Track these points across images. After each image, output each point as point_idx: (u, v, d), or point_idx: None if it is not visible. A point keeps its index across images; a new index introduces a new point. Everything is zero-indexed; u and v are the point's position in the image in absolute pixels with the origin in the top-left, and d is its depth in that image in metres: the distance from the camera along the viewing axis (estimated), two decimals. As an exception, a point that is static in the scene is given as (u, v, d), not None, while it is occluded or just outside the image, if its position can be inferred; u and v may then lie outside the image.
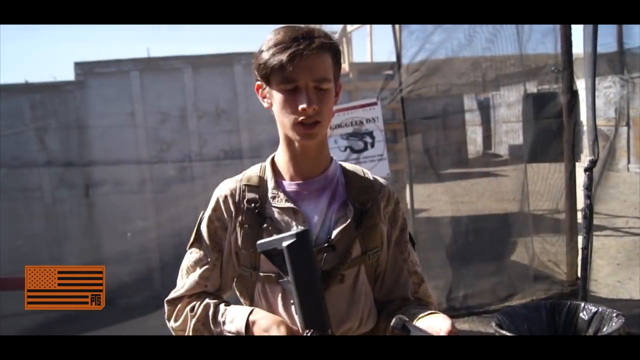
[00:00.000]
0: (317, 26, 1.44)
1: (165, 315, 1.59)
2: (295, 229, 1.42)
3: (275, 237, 1.39)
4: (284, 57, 1.35)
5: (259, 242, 1.43)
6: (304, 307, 1.31)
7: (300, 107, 1.39)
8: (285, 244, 1.32)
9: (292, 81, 1.39)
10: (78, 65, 6.36)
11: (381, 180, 1.61)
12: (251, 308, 1.48)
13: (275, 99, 1.44)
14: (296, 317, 1.38)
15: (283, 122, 1.45)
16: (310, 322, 1.30)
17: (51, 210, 6.27)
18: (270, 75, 1.41)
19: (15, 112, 6.21)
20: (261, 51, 1.42)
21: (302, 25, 1.42)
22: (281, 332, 1.36)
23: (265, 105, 1.49)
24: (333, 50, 1.43)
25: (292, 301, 1.37)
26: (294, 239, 1.32)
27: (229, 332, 1.45)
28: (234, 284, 1.62)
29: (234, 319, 1.46)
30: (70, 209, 6.33)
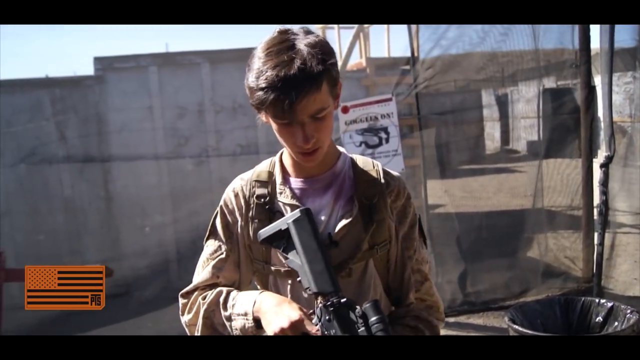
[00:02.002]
0: (310, 43, 1.34)
1: (180, 310, 1.60)
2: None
3: (277, 222, 1.45)
4: (276, 103, 1.30)
5: (261, 231, 1.47)
6: (315, 273, 1.35)
7: (297, 144, 1.38)
8: (290, 220, 1.41)
9: (287, 119, 1.35)
10: (97, 60, 6.43)
11: (394, 174, 1.59)
12: (261, 290, 1.50)
13: (271, 124, 1.42)
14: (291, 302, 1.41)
15: (282, 143, 1.45)
16: (322, 286, 1.34)
17: (70, 205, 6.36)
18: (263, 109, 1.37)
19: (36, 107, 6.30)
20: (251, 87, 1.35)
21: (292, 48, 1.32)
22: (293, 307, 1.36)
23: (264, 120, 1.45)
24: (328, 75, 1.34)
25: (298, 279, 1.39)
26: (299, 214, 1.40)
27: (238, 314, 1.45)
28: (254, 277, 1.63)
29: (243, 301, 1.46)
30: (89, 202, 6.42)
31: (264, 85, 1.30)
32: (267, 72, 1.30)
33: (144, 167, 6.40)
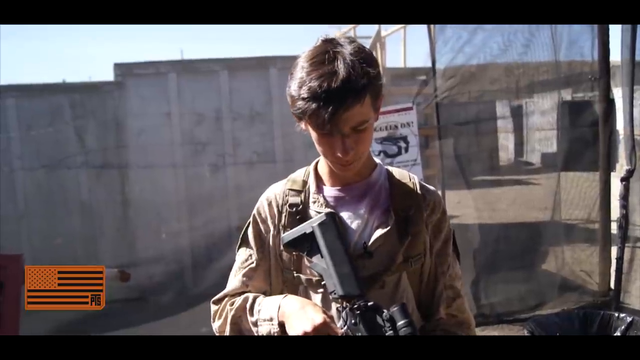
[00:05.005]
0: (354, 55, 1.32)
1: (211, 317, 1.61)
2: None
3: (301, 225, 1.46)
4: (319, 114, 1.29)
5: (284, 234, 1.47)
6: (341, 276, 1.35)
7: (336, 155, 1.37)
8: (316, 223, 1.42)
9: (327, 130, 1.34)
10: (117, 66, 6.50)
11: (430, 187, 1.58)
12: (285, 294, 1.49)
13: (310, 133, 1.41)
14: (315, 297, 1.42)
15: (320, 152, 1.45)
16: (348, 289, 1.34)
17: (87, 209, 6.40)
18: (304, 118, 1.36)
19: (55, 112, 6.36)
20: (293, 96, 1.34)
21: (336, 59, 1.30)
22: (317, 309, 1.36)
23: (302, 127, 1.44)
24: (371, 88, 1.33)
25: (323, 282, 1.40)
26: (324, 218, 1.41)
27: (264, 319, 1.45)
28: (284, 288, 1.60)
29: (269, 306, 1.46)
30: (106, 207, 6.46)
31: (306, 95, 1.29)
32: (310, 82, 1.29)
33: (161, 173, 6.43)
